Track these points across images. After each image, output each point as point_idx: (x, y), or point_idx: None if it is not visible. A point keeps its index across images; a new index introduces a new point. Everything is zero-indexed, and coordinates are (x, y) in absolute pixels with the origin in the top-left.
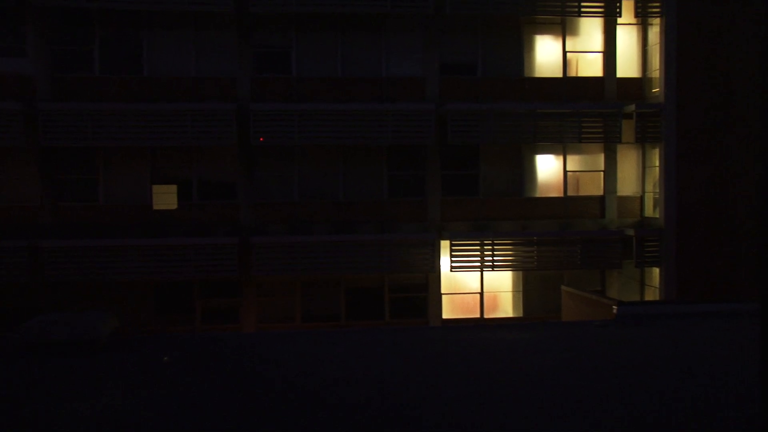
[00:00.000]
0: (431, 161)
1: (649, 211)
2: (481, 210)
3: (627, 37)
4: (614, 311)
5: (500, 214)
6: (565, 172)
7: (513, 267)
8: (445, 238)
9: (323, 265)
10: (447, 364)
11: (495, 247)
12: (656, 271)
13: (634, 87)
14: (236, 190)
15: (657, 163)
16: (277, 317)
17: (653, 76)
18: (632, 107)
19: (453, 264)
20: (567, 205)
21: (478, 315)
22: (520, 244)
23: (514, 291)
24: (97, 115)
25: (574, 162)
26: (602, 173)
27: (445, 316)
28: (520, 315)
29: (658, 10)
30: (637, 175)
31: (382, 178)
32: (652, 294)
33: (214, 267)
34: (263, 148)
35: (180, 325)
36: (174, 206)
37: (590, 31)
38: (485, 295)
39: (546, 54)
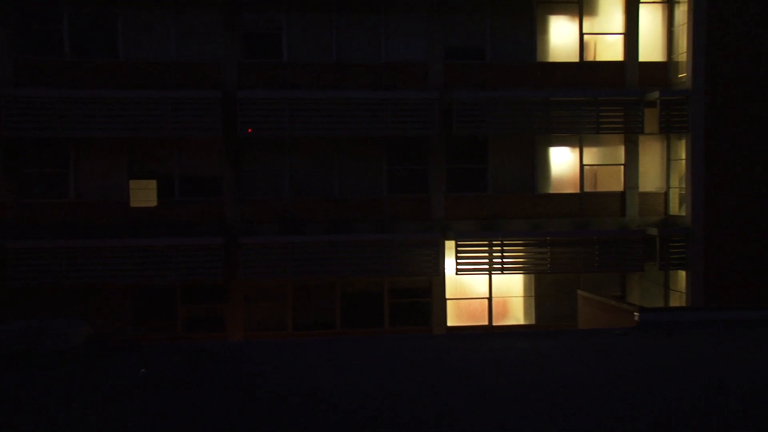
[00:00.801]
0: (435, 154)
1: (675, 208)
2: (490, 207)
3: (651, 17)
4: (636, 318)
5: (510, 212)
6: (582, 166)
7: (524, 270)
8: (450, 238)
9: (317, 267)
10: (453, 378)
11: (504, 248)
12: (682, 274)
13: (659, 72)
14: (222, 186)
15: (683, 156)
16: (267, 325)
17: (679, 59)
18: (656, 94)
19: (459, 266)
20: (584, 203)
21: (486, 322)
22: (532, 244)
23: (526, 296)
24: (67, 102)
25: (591, 155)
26: (622, 167)
27: (450, 323)
28: (532, 322)
29: None
30: (661, 169)
31: (382, 172)
32: (677, 299)
33: (198, 270)
34: (251, 140)
35: (160, 334)
36: (153, 203)
37: (610, 10)
38: (494, 300)
39: (561, 36)
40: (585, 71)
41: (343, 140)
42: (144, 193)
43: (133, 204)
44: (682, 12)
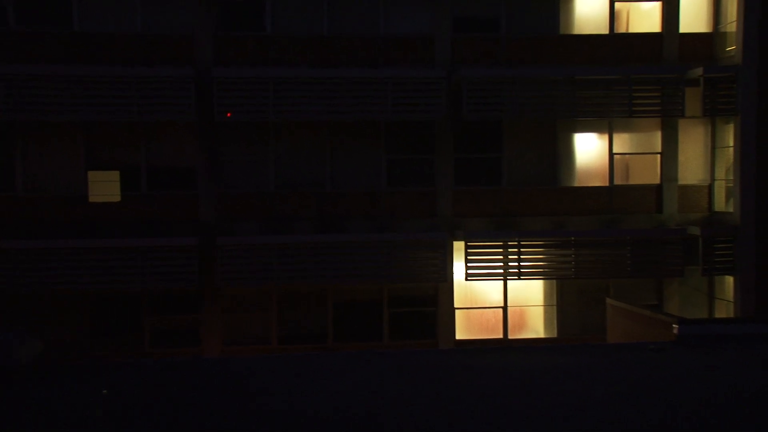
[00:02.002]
0: (441, 142)
1: (720, 204)
2: (505, 203)
3: None
4: (675, 331)
5: (529, 209)
6: (612, 154)
7: (545, 275)
8: (459, 239)
9: (306, 272)
10: (463, 400)
11: (522, 249)
12: (729, 280)
13: (702, 45)
14: (196, 179)
15: (731, 143)
16: (248, 338)
17: (727, 30)
18: (699, 71)
19: (469, 271)
20: (614, 197)
21: (500, 335)
22: (554, 246)
23: (546, 305)
24: (12, 80)
25: (623, 142)
26: (659, 156)
27: (459, 336)
28: (554, 335)
29: None
30: (704, 159)
31: (380, 163)
32: (723, 310)
33: (168, 275)
34: (230, 125)
35: (124, 349)
36: (116, 198)
37: None
38: (509, 310)
39: (588, 5)
40: (616, 45)
41: (335, 126)
42: (105, 186)
43: (93, 199)
44: None
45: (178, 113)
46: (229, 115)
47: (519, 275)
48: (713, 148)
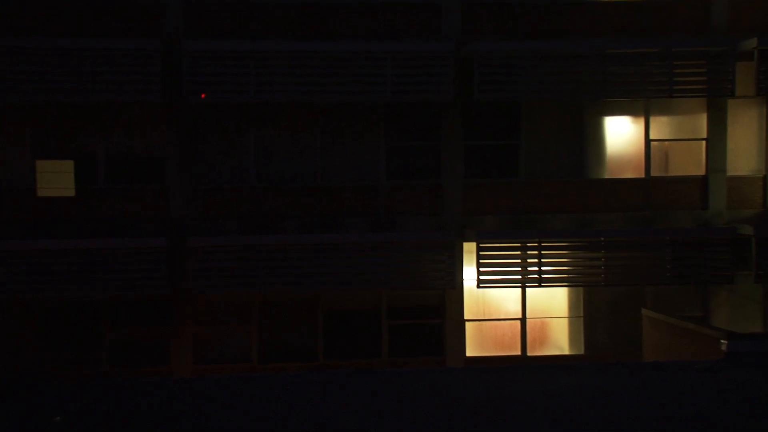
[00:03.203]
0: (450, 128)
1: None
2: (523, 198)
3: None
4: (723, 348)
5: (551, 205)
6: (648, 141)
7: (570, 282)
8: (469, 239)
9: (293, 277)
10: (479, 426)
11: (543, 252)
12: None
13: (757, 12)
14: (165, 170)
15: None
16: (225, 355)
17: None
18: (753, 43)
19: (481, 277)
20: (650, 191)
21: (518, 351)
22: (581, 247)
23: (572, 317)
24: None
25: (661, 127)
26: (704, 143)
27: (469, 352)
28: (581, 352)
29: None
30: (758, 146)
31: (379, 152)
32: None
33: (132, 282)
34: (205, 107)
35: (80, 367)
36: (70, 192)
37: None
38: (529, 322)
39: None
40: (653, 12)
41: (327, 108)
42: (57, 179)
43: (42, 193)
44: None
45: (143, 93)
46: (203, 96)
47: (540, 282)
48: None
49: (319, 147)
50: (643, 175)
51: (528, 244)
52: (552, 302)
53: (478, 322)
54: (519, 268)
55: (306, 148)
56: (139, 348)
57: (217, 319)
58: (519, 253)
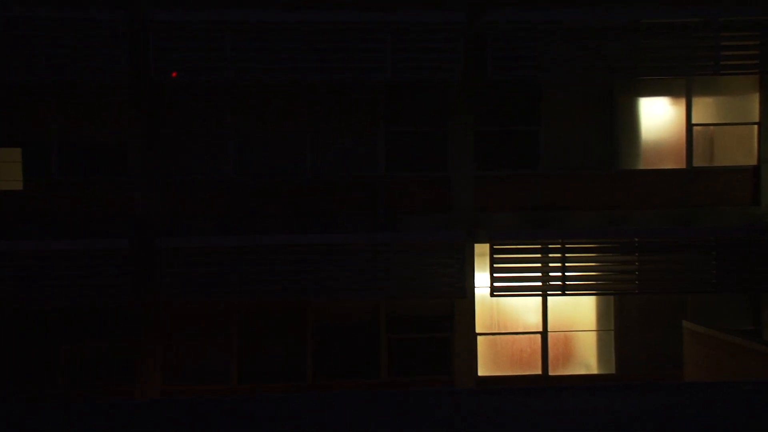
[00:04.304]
0: (459, 112)
1: None
2: (544, 192)
3: None
4: None
5: (576, 200)
6: (690, 126)
7: (598, 289)
8: (481, 240)
9: (278, 285)
10: None
11: (567, 254)
12: None
13: None
14: (129, 161)
15: None
16: (199, 374)
17: None
18: None
19: (496, 283)
20: (692, 184)
21: (538, 370)
22: (611, 249)
23: (601, 330)
24: None
25: (705, 109)
26: (756, 127)
27: (482, 371)
28: (612, 371)
29: None
30: None
31: (377, 140)
32: None
33: (91, 289)
34: (176, 89)
35: (32, 386)
36: (17, 185)
37: None
38: (551, 336)
39: None
40: None
41: (317, 90)
42: (2, 169)
43: None
44: None
45: (103, 72)
46: (174, 75)
47: (563, 289)
48: None
49: (309, 134)
50: (683, 166)
51: (550, 246)
52: (578, 313)
53: (491, 336)
54: (539, 274)
55: (293, 135)
56: (99, 366)
57: (190, 332)
58: (539, 255)
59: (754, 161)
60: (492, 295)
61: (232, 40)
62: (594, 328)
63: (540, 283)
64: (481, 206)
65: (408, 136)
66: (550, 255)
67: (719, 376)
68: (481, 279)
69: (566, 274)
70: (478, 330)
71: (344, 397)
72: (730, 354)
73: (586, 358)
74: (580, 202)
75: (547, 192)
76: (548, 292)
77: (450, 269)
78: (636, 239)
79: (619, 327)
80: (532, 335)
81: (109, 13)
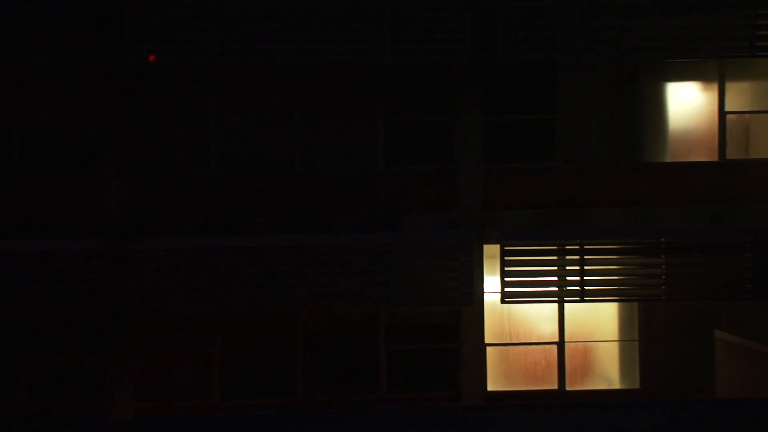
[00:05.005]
0: (465, 98)
1: None
2: (560, 188)
3: None
4: None
5: (596, 196)
6: (723, 114)
7: (621, 295)
8: (491, 241)
9: (265, 290)
10: None
11: (586, 256)
12: None
13: None
14: (100, 153)
15: None
16: (178, 389)
17: None
18: None
19: (507, 289)
20: (725, 178)
21: (554, 385)
22: (635, 251)
23: (624, 340)
24: None
25: (740, 95)
26: None
27: (491, 386)
28: (635, 386)
29: None
30: None
31: (376, 130)
32: None
33: (57, 295)
34: (153, 74)
35: None
36: None
37: None
38: (568, 347)
39: None
40: None
41: (309, 76)
42: None
43: None
44: None
45: (71, 55)
46: (152, 58)
47: (582, 295)
48: None
49: (300, 124)
50: (715, 158)
51: (567, 247)
52: (598, 322)
53: (502, 347)
54: (555, 278)
55: (283, 125)
56: (67, 381)
57: (168, 343)
58: (555, 258)
59: None
60: (503, 301)
61: (216, 19)
62: (616, 339)
63: (556, 289)
64: (491, 203)
65: (410, 127)
66: (568, 257)
67: (756, 392)
68: (491, 284)
69: (585, 278)
70: (487, 340)
71: (338, 416)
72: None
73: (607, 371)
74: (600, 199)
75: (564, 187)
76: (565, 299)
77: (456, 273)
78: (663, 239)
79: (644, 337)
80: (547, 346)
81: None
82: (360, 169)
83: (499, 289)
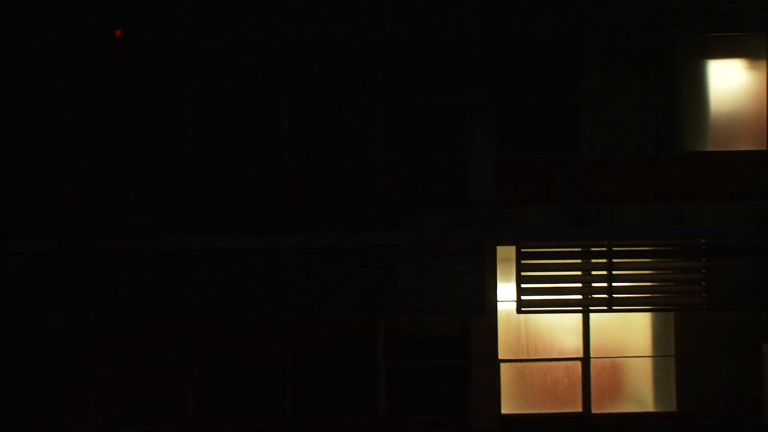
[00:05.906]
0: (476, 79)
1: None
2: (585, 182)
3: None
4: None
5: (625, 191)
6: None
7: (654, 304)
8: (504, 242)
9: (248, 298)
10: None
11: (614, 260)
12: None
13: None
14: (58, 143)
15: None
16: (148, 411)
17: None
18: None
19: (524, 297)
20: None
21: (578, 407)
22: (670, 253)
23: (658, 356)
24: None
25: None
26: None
27: (506, 408)
28: (672, 408)
29: None
30: None
31: (373, 115)
32: None
33: (8, 302)
34: (119, 53)
35: None
36: None
37: None
38: (594, 363)
39: None
40: None
41: (297, 54)
42: None
43: None
44: None
45: (29, 33)
46: (118, 33)
47: (610, 305)
48: None
49: (286, 111)
50: (763, 147)
51: (592, 249)
52: (628, 335)
53: (518, 364)
54: (579, 284)
55: (267, 111)
56: (21, 401)
57: (137, 358)
58: (579, 261)
59: None
60: (519, 311)
61: None
62: (649, 354)
63: (580, 297)
64: (505, 199)
65: (412, 111)
66: (593, 261)
67: None
68: (505, 291)
69: (613, 284)
70: (501, 356)
71: None
72: None
73: (639, 391)
74: (630, 194)
75: (589, 180)
76: (590, 308)
77: (465, 278)
78: (703, 240)
79: (681, 352)
80: (570, 362)
81: None
82: (355, 160)
83: (514, 297)
